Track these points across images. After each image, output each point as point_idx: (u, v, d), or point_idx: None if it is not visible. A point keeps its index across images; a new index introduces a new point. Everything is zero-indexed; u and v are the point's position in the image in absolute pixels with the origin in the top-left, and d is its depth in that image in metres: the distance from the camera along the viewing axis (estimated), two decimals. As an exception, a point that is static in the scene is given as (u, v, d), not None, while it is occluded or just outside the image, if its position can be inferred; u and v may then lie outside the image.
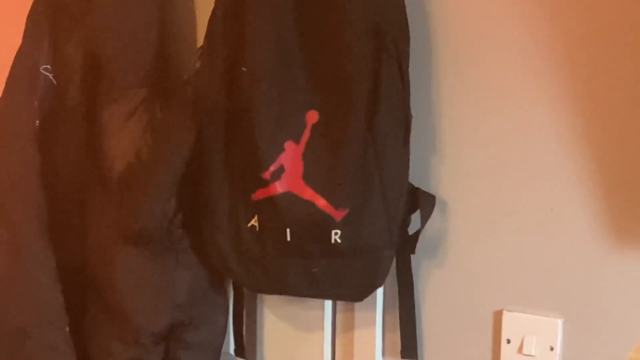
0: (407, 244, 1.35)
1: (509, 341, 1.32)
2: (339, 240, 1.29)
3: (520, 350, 1.31)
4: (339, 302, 1.48)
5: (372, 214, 1.29)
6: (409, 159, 1.32)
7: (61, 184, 1.46)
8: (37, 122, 1.42)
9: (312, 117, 1.32)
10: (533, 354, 1.30)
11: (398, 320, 1.39)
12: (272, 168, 1.31)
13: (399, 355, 1.41)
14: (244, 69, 1.33)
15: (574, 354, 1.28)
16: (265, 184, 1.32)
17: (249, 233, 1.36)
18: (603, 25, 1.21)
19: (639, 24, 1.18)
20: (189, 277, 1.45)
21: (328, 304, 1.47)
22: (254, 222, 1.35)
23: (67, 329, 1.43)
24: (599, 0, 1.21)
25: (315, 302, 1.46)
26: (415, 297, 1.39)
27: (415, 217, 1.34)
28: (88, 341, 1.48)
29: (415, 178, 1.34)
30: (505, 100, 1.29)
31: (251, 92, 1.33)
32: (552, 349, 1.29)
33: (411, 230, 1.35)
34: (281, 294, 1.43)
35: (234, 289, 1.52)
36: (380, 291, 1.41)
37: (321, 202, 1.29)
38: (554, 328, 1.29)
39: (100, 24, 1.43)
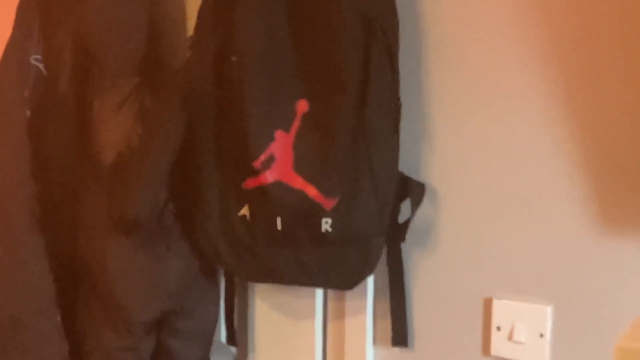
0: (398, 232, 1.36)
1: (499, 328, 1.33)
2: (329, 229, 1.30)
3: (510, 337, 1.32)
4: (329, 291, 1.48)
5: (362, 202, 1.30)
6: (398, 148, 1.33)
7: (52, 173, 1.46)
8: (28, 112, 1.42)
9: (302, 106, 1.32)
10: (523, 341, 1.31)
11: (389, 308, 1.40)
12: (262, 157, 1.31)
13: (390, 342, 1.42)
14: (233, 58, 1.33)
15: (563, 340, 1.29)
16: (255, 173, 1.32)
17: (240, 222, 1.36)
18: (590, 15, 1.21)
19: (626, 17, 1.19)
20: (180, 266, 1.45)
21: (319, 292, 1.48)
22: (244, 211, 1.35)
23: (59, 318, 1.44)
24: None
25: (306, 290, 1.46)
26: (406, 285, 1.40)
27: (406, 205, 1.35)
28: (80, 330, 1.47)
29: (405, 166, 1.35)
30: (495, 89, 1.30)
31: (241, 82, 1.33)
32: (541, 335, 1.30)
33: (401, 218, 1.36)
34: (272, 282, 1.44)
35: (225, 277, 1.53)
36: (370, 279, 1.42)
37: (312, 191, 1.30)
38: (543, 315, 1.29)
39: (91, 13, 1.42)
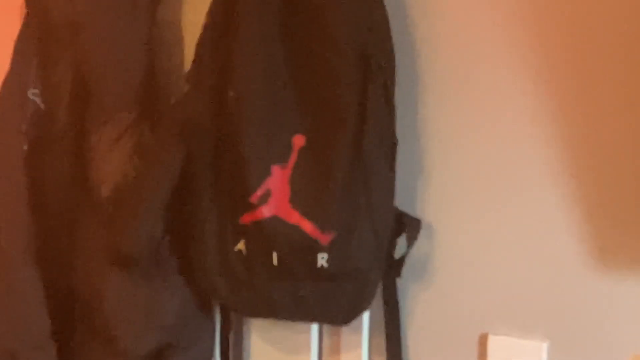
0: (393, 268, 1.36)
1: (494, 364, 1.33)
2: (325, 264, 1.30)
3: (505, 373, 1.32)
4: (325, 326, 1.47)
5: (359, 237, 1.30)
6: (394, 183, 1.33)
7: (50, 207, 1.46)
8: (25, 146, 1.42)
9: (299, 141, 1.32)
10: (518, 377, 1.31)
11: (384, 344, 1.40)
12: (258, 192, 1.32)
13: (385, 378, 1.41)
14: (231, 93, 1.34)
15: (559, 377, 1.29)
16: (252, 208, 1.32)
17: (236, 257, 1.36)
18: (592, 48, 1.22)
19: (628, 38, 1.20)
20: (177, 300, 1.44)
21: (314, 327, 1.47)
22: (240, 245, 1.35)
23: (55, 352, 1.43)
24: (586, 17, 1.22)
25: (302, 325, 1.46)
26: (401, 320, 1.39)
27: (401, 240, 1.35)
28: (76, 364, 1.48)
29: (400, 202, 1.35)
30: (490, 125, 1.30)
31: (238, 117, 1.33)
32: (537, 372, 1.30)
33: (397, 254, 1.36)
34: (268, 317, 1.43)
35: (220, 312, 1.52)
36: (366, 315, 1.41)
37: (308, 226, 1.30)
38: (539, 351, 1.29)
39: (89, 47, 1.43)
